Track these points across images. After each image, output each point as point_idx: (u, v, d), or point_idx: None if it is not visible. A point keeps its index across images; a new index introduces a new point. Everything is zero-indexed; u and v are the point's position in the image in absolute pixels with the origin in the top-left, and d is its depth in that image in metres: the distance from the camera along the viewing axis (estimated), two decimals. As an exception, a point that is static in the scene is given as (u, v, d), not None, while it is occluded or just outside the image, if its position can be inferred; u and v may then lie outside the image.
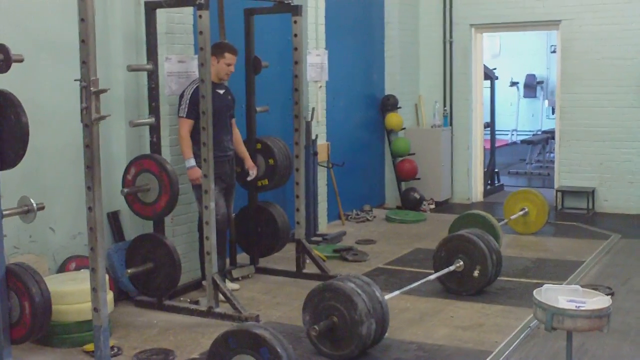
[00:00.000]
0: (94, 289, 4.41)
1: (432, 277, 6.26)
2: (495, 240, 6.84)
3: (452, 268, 6.35)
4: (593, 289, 5.02)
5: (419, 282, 6.08)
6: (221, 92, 6.47)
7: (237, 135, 6.84)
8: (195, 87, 6.15)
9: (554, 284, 4.58)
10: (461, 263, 6.36)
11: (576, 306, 4.10)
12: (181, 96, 6.31)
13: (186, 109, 6.22)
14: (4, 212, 4.62)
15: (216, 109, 6.11)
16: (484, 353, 5.12)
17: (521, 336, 5.45)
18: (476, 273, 6.31)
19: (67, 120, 5.61)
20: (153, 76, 6.05)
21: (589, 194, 10.25)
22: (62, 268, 5.90)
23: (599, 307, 4.06)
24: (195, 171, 6.19)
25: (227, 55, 6.39)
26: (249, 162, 6.87)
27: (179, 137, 6.28)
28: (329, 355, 5.03)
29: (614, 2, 10.05)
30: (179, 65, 6.44)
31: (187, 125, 6.23)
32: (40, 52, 5.73)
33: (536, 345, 5.32)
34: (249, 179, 6.87)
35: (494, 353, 5.11)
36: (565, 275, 7.01)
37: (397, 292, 5.73)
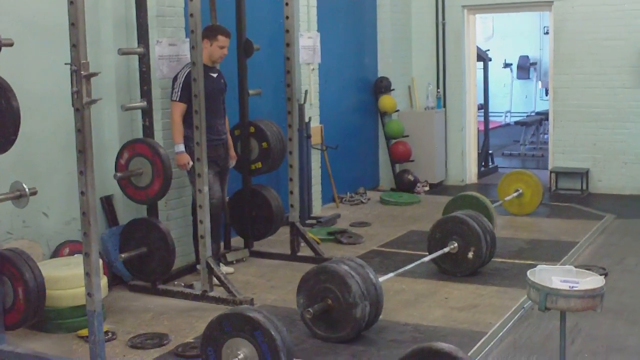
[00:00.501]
0: (87, 274, 4.39)
1: (427, 258, 6.27)
2: (489, 221, 6.84)
3: (446, 250, 6.36)
4: (587, 269, 5.02)
5: (413, 264, 6.09)
6: (214, 75, 6.43)
7: (225, 122, 6.76)
8: (188, 70, 6.09)
9: (548, 264, 4.57)
10: (455, 245, 6.36)
11: (570, 286, 4.10)
12: (174, 79, 6.27)
13: (179, 93, 6.18)
14: (-4, 198, 4.60)
15: (209, 92, 6.07)
16: (478, 334, 5.13)
17: (515, 317, 5.46)
18: (470, 254, 6.32)
19: (59, 104, 5.58)
20: (144, 59, 6.00)
21: (583, 174, 10.26)
22: (56, 253, 5.89)
23: (592, 287, 4.06)
24: (183, 156, 6.17)
25: (220, 37, 6.34)
26: (231, 151, 6.82)
27: (171, 120, 6.25)
28: (324, 338, 5.03)
29: (607, -18, 10.04)
30: (170, 48, 6.41)
31: (179, 109, 6.20)
32: (30, 36, 5.68)
33: (530, 325, 5.33)
34: (229, 166, 6.85)
35: (488, 334, 5.13)
36: (560, 256, 7.02)
37: (391, 274, 5.73)
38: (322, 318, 5.01)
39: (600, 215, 8.87)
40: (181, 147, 6.19)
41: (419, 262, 6.16)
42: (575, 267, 4.46)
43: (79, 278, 4.61)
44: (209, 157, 5.96)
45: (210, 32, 6.30)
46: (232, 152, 6.86)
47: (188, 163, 6.15)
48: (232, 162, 6.87)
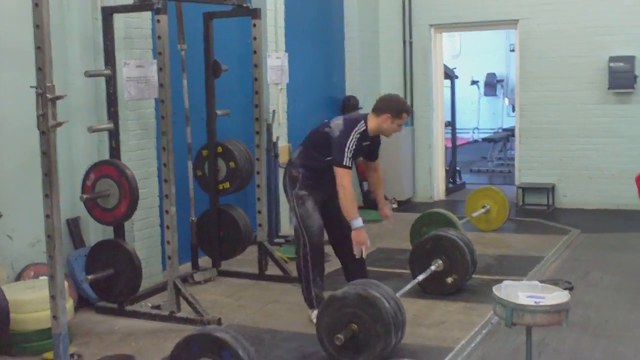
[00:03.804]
0: (52, 297, 4.36)
1: (421, 277, 6.15)
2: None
3: (432, 268, 6.27)
4: (553, 283, 5.09)
5: (409, 286, 5.94)
6: (365, 144, 5.76)
7: (378, 178, 6.28)
8: (358, 136, 5.57)
9: (515, 279, 4.62)
10: (440, 262, 6.29)
11: (535, 302, 4.15)
12: (339, 142, 5.53)
13: (350, 159, 5.50)
14: (-39, 221, 4.57)
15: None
16: (446, 350, 5.16)
17: (483, 332, 5.51)
18: (450, 280, 6.30)
19: (25, 127, 5.55)
20: (111, 81, 6.00)
21: (549, 190, 10.38)
22: (21, 276, 5.84)
23: (558, 302, 4.12)
24: (362, 234, 5.55)
25: (404, 116, 5.73)
26: (382, 211, 6.28)
27: (341, 189, 5.51)
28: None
29: (570, 0, 10.20)
30: (137, 70, 6.38)
31: (350, 175, 5.53)
32: (-5, 58, 5.67)
33: (498, 341, 5.37)
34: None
35: (456, 349, 5.16)
36: (527, 271, 7.08)
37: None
38: (347, 345, 4.86)
39: (566, 230, 8.97)
40: (360, 222, 5.52)
41: (412, 284, 6.03)
42: (542, 281, 4.52)
43: (44, 301, 4.58)
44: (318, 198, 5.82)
45: (396, 110, 5.66)
46: (385, 212, 6.26)
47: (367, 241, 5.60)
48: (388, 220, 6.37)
